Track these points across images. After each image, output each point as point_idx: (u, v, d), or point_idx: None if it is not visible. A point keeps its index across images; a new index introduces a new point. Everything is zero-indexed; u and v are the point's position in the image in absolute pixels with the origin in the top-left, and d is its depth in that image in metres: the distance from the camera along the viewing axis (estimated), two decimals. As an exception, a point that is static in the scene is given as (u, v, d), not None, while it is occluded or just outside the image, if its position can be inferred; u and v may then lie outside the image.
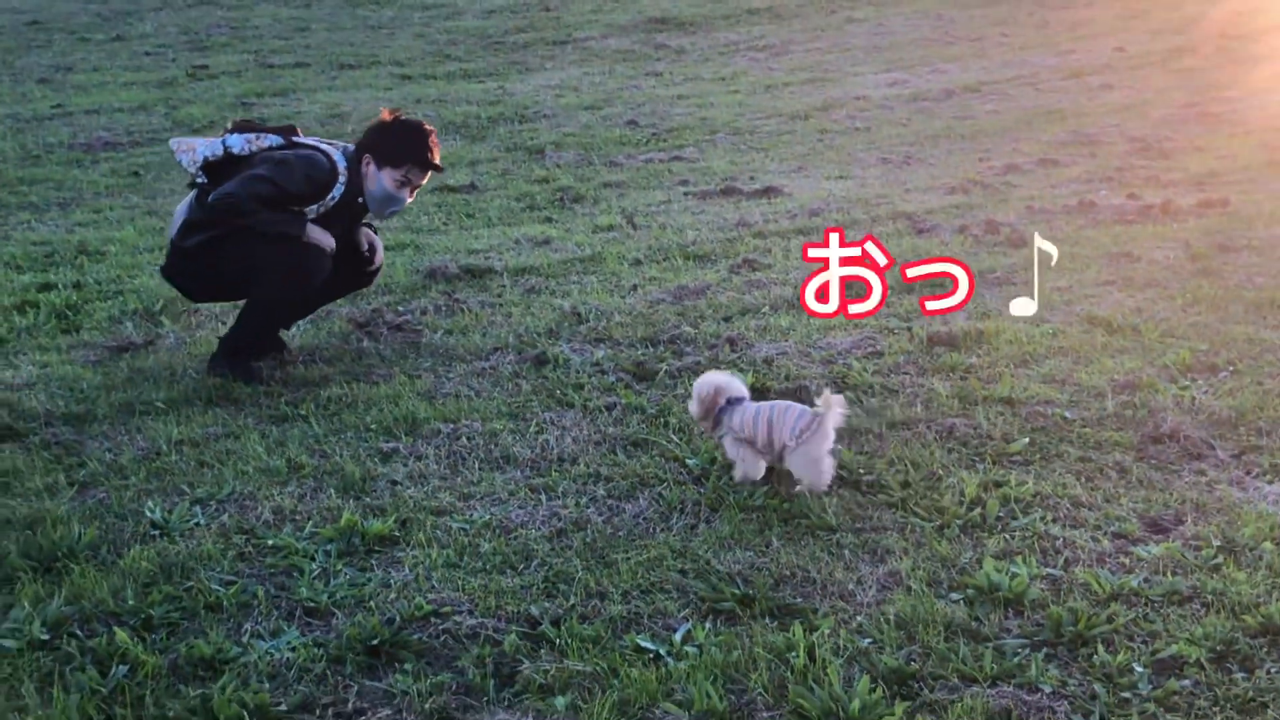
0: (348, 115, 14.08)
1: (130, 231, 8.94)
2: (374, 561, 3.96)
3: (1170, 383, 5.30)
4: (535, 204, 9.89)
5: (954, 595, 3.68)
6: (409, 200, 5.76)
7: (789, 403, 4.46)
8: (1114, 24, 19.24)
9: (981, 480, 4.40)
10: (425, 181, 5.83)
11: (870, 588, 3.74)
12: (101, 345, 6.15)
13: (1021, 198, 9.33)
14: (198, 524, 4.19)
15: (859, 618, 3.57)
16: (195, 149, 5.56)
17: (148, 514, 4.22)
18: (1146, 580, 3.74)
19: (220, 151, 5.55)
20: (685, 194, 10.03)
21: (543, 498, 4.38)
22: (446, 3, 22.67)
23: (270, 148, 5.60)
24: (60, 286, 7.23)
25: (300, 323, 6.47)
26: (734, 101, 14.59)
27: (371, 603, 3.69)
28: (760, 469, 4.47)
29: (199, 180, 5.56)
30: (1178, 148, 11.07)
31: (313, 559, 3.95)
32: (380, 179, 5.61)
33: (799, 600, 3.67)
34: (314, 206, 5.56)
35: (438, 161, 5.72)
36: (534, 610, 3.62)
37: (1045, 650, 3.41)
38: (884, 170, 10.85)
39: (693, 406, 4.60)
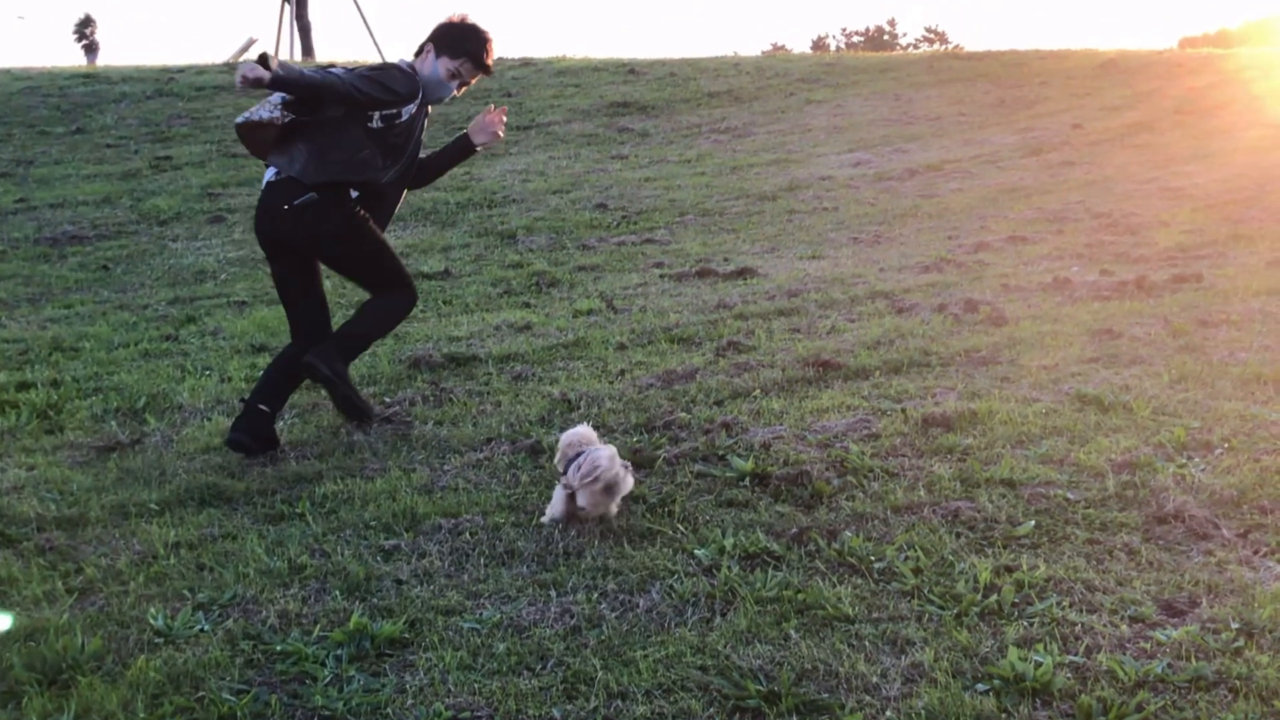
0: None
1: (104, 326, 8.87)
2: (386, 665, 3.87)
3: (1168, 461, 5.31)
4: (512, 289, 9.90)
5: (980, 686, 3.63)
6: (455, 94, 6.22)
7: (602, 450, 4.82)
8: (1069, 101, 19.57)
9: (993, 565, 4.38)
10: (474, 83, 6.24)
11: (895, 680, 3.69)
12: (87, 445, 6.06)
13: (995, 275, 9.41)
14: (202, 630, 4.09)
15: (887, 713, 3.52)
16: (265, 100, 5.90)
17: (151, 621, 4.12)
18: (1170, 666, 3.71)
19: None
20: (661, 276, 10.07)
21: (552, 594, 4.31)
22: (407, 89, 22.77)
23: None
24: (39, 385, 7.14)
25: (286, 416, 6.42)
26: (701, 183, 14.71)
27: (389, 709, 3.60)
28: (560, 510, 4.86)
29: (285, 120, 5.89)
30: (1143, 223, 11.22)
31: (324, 664, 3.86)
32: (436, 66, 6.04)
33: (824, 695, 3.61)
34: (411, 106, 5.99)
35: (489, 64, 6.15)
36: (556, 714, 3.55)
37: (1079, 741, 3.37)
38: (855, 250, 10.94)
39: (558, 458, 5.06)
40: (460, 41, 6.04)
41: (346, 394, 6.10)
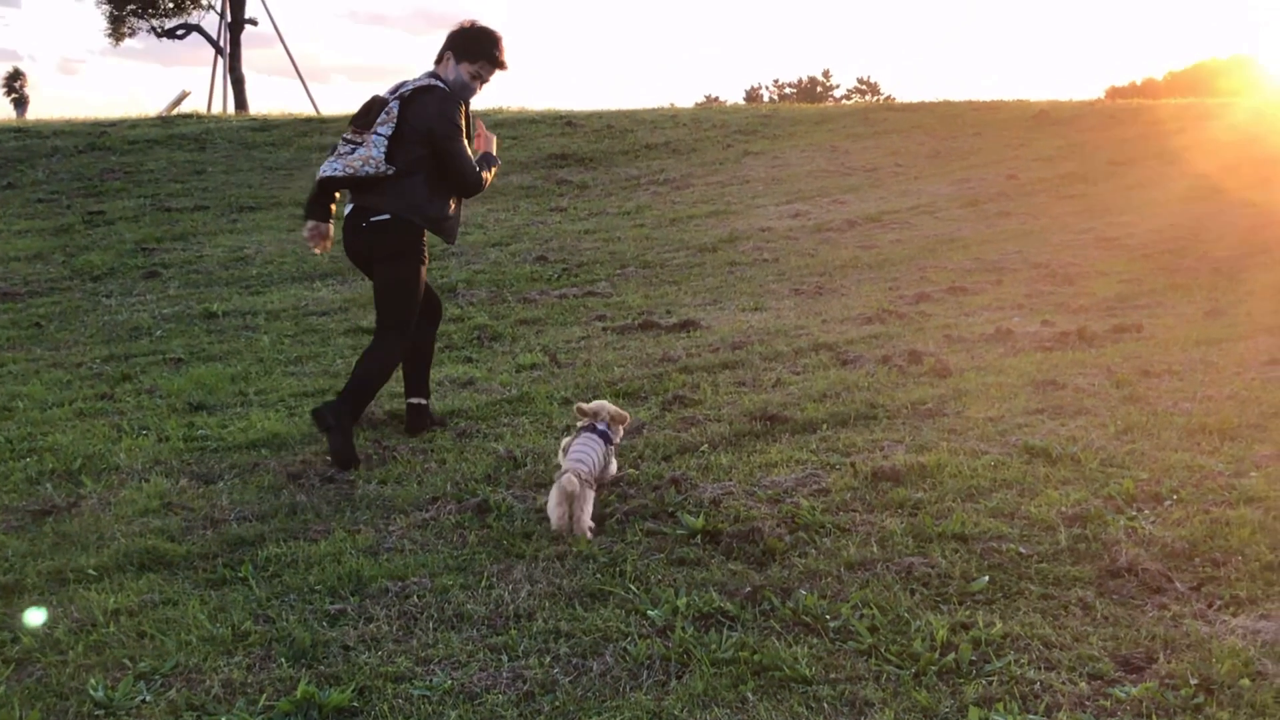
0: (251, 258, 13.93)
1: (37, 385, 8.67)
2: (336, 736, 3.77)
3: (1118, 513, 5.31)
4: (453, 344, 9.81)
5: (942, 748, 3.59)
6: (478, 91, 6.76)
7: (587, 443, 5.54)
8: (1003, 152, 19.82)
9: (950, 623, 4.33)
10: (491, 78, 6.75)
11: (856, 743, 3.63)
12: (22, 509, 5.89)
13: (937, 326, 9.46)
14: (144, 701, 3.96)
15: (850, 777, 3.46)
16: (368, 158, 6.48)
17: (91, 692, 3.98)
18: (1131, 723, 3.68)
19: (384, 145, 6.47)
20: (604, 329, 10.03)
21: (504, 658, 4.22)
22: (344, 142, 22.66)
23: (401, 114, 6.50)
24: (-30, 446, 6.96)
25: (227, 476, 6.30)
26: (641, 235, 14.71)
27: (339, 782, 3.50)
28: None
29: (390, 171, 6.48)
30: (1081, 273, 11.34)
31: (270, 736, 3.75)
32: (458, 71, 6.66)
33: (785, 760, 3.55)
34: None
35: (504, 60, 6.73)
36: (512, 783, 3.46)
37: (1044, 803, 3.32)
38: (797, 301, 10.96)
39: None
40: (476, 45, 6.64)
41: (340, 446, 6.47)
